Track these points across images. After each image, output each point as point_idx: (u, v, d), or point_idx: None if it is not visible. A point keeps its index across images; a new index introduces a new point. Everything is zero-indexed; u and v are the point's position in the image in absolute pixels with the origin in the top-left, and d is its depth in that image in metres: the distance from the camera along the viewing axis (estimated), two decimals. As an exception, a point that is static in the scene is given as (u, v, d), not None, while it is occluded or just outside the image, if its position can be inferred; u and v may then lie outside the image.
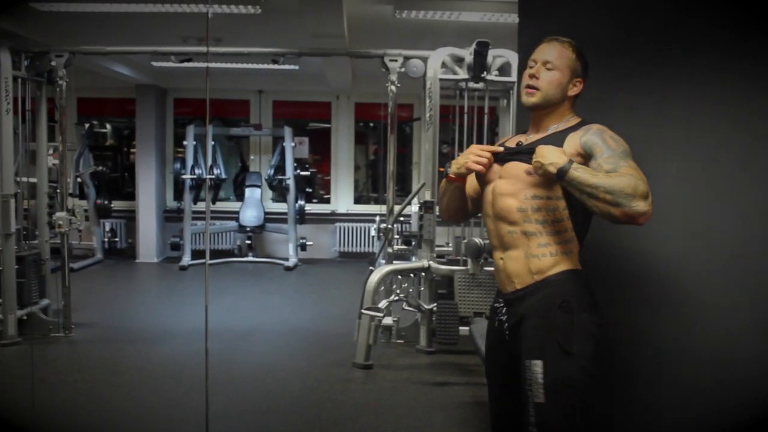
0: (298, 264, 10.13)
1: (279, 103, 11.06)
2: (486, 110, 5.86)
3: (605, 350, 2.36)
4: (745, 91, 2.63)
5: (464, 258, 5.63)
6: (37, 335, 6.08)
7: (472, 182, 2.61)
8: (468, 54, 5.67)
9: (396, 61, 6.19)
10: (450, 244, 6.30)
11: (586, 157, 2.28)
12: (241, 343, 6.06)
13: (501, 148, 2.49)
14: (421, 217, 5.80)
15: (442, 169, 5.85)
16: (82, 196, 9.60)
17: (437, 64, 5.73)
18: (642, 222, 2.14)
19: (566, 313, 2.29)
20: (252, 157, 11.07)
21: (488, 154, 2.44)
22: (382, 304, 5.60)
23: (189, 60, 7.15)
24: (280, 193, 10.46)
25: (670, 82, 2.74)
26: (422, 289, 5.94)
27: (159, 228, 10.56)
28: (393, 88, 6.26)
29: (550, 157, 2.21)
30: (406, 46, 6.25)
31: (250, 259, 10.39)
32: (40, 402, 3.98)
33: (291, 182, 10.02)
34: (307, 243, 10.28)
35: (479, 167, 2.44)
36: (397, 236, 6.33)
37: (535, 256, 2.34)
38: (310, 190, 10.91)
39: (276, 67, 7.93)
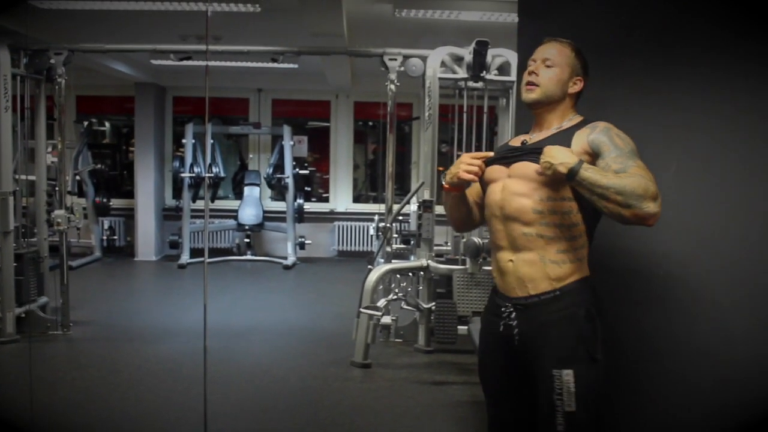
0: (297, 263, 10.13)
1: (278, 101, 11.06)
2: (485, 109, 5.86)
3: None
4: (745, 90, 2.63)
5: (463, 257, 5.63)
6: (35, 333, 6.08)
7: (474, 189, 2.59)
8: (467, 53, 5.67)
9: (395, 60, 6.19)
10: (449, 244, 6.30)
11: (593, 155, 2.27)
12: (239, 341, 6.06)
13: (491, 153, 2.48)
14: (419, 216, 5.80)
15: (441, 169, 5.86)
16: (81, 194, 9.59)
17: (436, 64, 5.73)
18: (651, 223, 2.13)
19: (590, 322, 2.29)
20: (251, 156, 11.07)
21: (479, 162, 2.42)
22: (381, 303, 5.60)
23: (188, 58, 7.14)
24: (279, 192, 10.46)
25: (669, 81, 2.74)
26: (421, 288, 5.94)
27: (158, 226, 10.56)
28: (392, 87, 6.26)
29: (560, 156, 2.19)
30: (406, 45, 6.25)
31: (249, 257, 10.40)
32: (38, 400, 3.97)
33: (290, 181, 10.02)
34: (306, 242, 10.28)
35: (469, 176, 2.41)
36: (395, 235, 6.33)
37: (555, 263, 2.30)
38: (309, 188, 10.90)
39: (275, 65, 7.93)
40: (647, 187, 2.10)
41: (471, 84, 5.80)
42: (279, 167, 10.17)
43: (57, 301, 6.26)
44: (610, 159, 2.22)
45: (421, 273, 5.87)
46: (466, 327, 5.15)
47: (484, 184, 2.50)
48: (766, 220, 2.63)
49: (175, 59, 7.23)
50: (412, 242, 6.13)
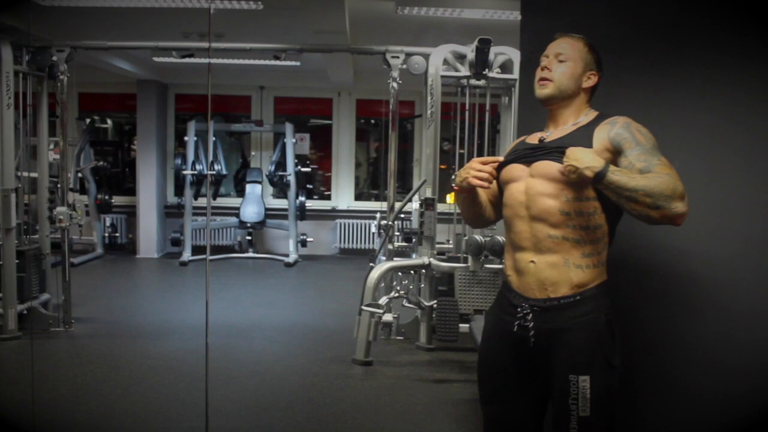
0: (299, 260, 10.13)
1: (280, 99, 11.06)
2: (487, 107, 5.86)
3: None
4: (748, 88, 2.62)
5: (465, 255, 5.63)
6: (37, 330, 6.09)
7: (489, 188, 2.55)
8: (470, 51, 5.67)
9: (398, 57, 6.19)
10: (450, 241, 6.30)
11: (614, 152, 2.24)
12: (240, 338, 6.06)
13: (501, 159, 2.45)
14: (421, 214, 5.80)
15: (443, 167, 5.86)
16: (83, 191, 9.58)
17: (439, 61, 5.72)
18: (680, 223, 2.11)
19: (609, 328, 2.28)
20: (253, 153, 11.07)
21: (489, 168, 2.39)
22: (382, 300, 5.60)
23: (190, 55, 7.14)
24: (280, 190, 10.47)
25: (673, 78, 2.73)
26: (422, 286, 5.94)
27: (159, 223, 10.57)
28: (394, 84, 6.26)
29: (585, 160, 2.15)
30: (408, 42, 6.26)
31: (251, 255, 10.40)
32: (39, 396, 3.98)
33: (292, 178, 10.02)
34: (308, 239, 10.29)
35: (480, 183, 2.39)
36: (397, 233, 6.33)
37: (579, 267, 2.27)
38: (311, 186, 10.91)
39: (277, 63, 7.93)
40: (675, 186, 2.08)
41: (473, 82, 5.79)
42: (281, 165, 10.17)
43: (59, 298, 6.27)
44: (633, 156, 2.19)
45: (423, 271, 5.87)
46: (467, 325, 5.14)
47: (502, 183, 2.47)
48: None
49: (177, 56, 7.24)
50: (413, 240, 6.14)
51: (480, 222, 2.68)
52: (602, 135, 2.27)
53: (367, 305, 5.39)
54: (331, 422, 4.33)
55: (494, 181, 2.46)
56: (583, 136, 2.30)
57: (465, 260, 5.62)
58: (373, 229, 6.74)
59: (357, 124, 11.18)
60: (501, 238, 5.37)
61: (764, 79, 2.61)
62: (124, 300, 7.78)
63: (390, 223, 6.08)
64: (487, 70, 5.71)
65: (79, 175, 9.44)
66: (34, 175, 6.39)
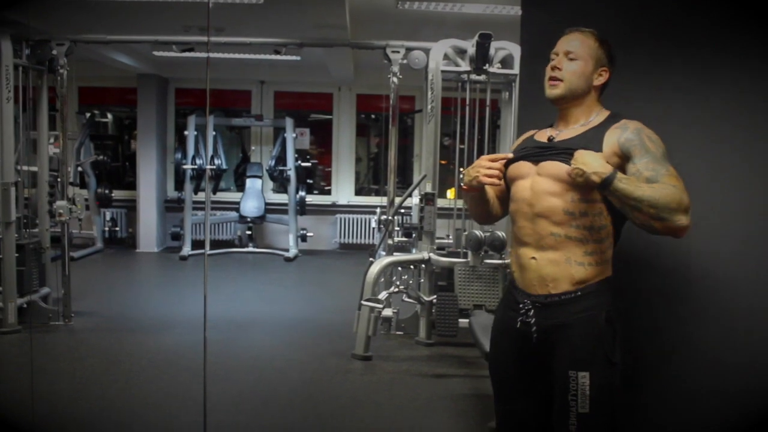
0: (299, 255, 10.13)
1: (280, 93, 11.05)
2: (488, 103, 5.85)
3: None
4: (750, 86, 2.61)
5: (465, 250, 5.63)
6: (36, 323, 6.09)
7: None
8: (470, 46, 5.66)
9: (398, 52, 6.19)
10: (450, 237, 6.30)
11: (623, 158, 2.23)
12: (240, 333, 6.07)
13: (510, 155, 2.44)
14: (421, 209, 5.80)
15: (443, 162, 5.86)
16: (83, 185, 9.60)
17: (439, 56, 5.72)
18: (682, 235, 2.12)
19: (610, 325, 2.27)
20: (253, 148, 11.06)
21: (499, 165, 2.40)
22: (382, 295, 5.60)
23: (190, 49, 7.13)
24: (280, 184, 10.46)
25: (675, 74, 2.71)
26: (422, 281, 5.94)
27: (159, 218, 10.56)
28: (395, 79, 6.26)
29: (593, 165, 2.15)
30: (409, 37, 6.25)
31: (251, 249, 10.39)
32: (39, 390, 3.98)
33: (292, 173, 10.02)
34: (308, 234, 10.28)
35: (490, 180, 2.39)
36: (397, 228, 6.33)
37: (581, 264, 2.27)
38: (311, 181, 10.90)
39: (278, 57, 7.92)
40: (681, 199, 2.09)
41: (474, 77, 5.78)
42: (281, 159, 10.17)
43: (58, 292, 6.27)
44: (642, 164, 2.18)
45: (423, 266, 5.87)
46: (467, 320, 5.15)
47: (509, 180, 2.46)
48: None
49: (177, 50, 7.23)
50: (413, 235, 6.14)
51: (488, 218, 2.69)
52: (612, 139, 2.26)
53: (367, 300, 5.39)
54: (330, 417, 4.34)
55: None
56: (593, 138, 2.28)
57: (465, 255, 5.62)
58: (373, 224, 6.73)
59: (357, 119, 11.17)
60: (501, 234, 5.37)
61: (766, 78, 2.60)
62: (123, 294, 7.79)
63: (390, 218, 6.07)
64: (487, 65, 5.70)
65: (79, 169, 9.45)
66: (34, 169, 6.39)
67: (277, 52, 7.38)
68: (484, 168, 2.39)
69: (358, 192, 11.24)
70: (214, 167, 10.11)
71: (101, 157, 10.00)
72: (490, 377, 2.61)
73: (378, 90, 7.71)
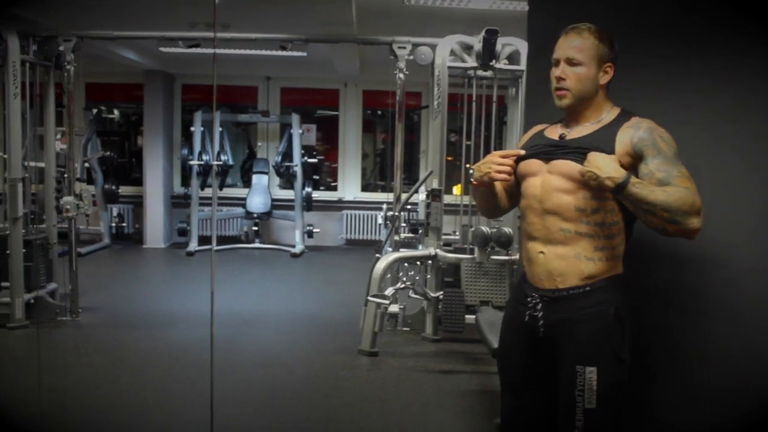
0: (305, 251, 10.13)
1: (287, 89, 11.05)
2: (494, 99, 5.84)
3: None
4: (755, 85, 2.60)
5: (471, 246, 5.63)
6: (44, 319, 6.12)
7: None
8: (477, 42, 5.64)
9: (404, 48, 6.18)
10: (457, 233, 6.30)
11: (635, 157, 2.23)
12: (246, 329, 6.08)
13: (522, 152, 2.44)
14: (428, 205, 5.80)
15: (450, 158, 5.85)
16: (90, 181, 9.60)
17: (446, 52, 5.71)
18: (694, 237, 2.14)
19: (619, 321, 2.27)
20: (259, 144, 11.06)
21: (510, 161, 2.41)
22: (389, 291, 5.60)
23: (197, 45, 7.14)
24: (287, 180, 10.46)
25: (683, 69, 2.69)
26: (429, 277, 5.94)
27: (166, 213, 10.58)
28: (401, 75, 6.24)
29: (607, 170, 2.15)
30: (415, 33, 6.23)
31: (257, 245, 10.40)
32: (46, 385, 4.00)
33: (298, 169, 10.02)
34: (314, 230, 10.29)
35: (502, 176, 2.41)
36: (403, 224, 6.32)
37: (590, 260, 2.28)
38: (318, 177, 10.90)
39: (284, 53, 7.91)
40: (693, 202, 2.10)
41: (480, 73, 5.77)
42: (287, 155, 10.17)
43: (66, 288, 6.29)
44: (654, 165, 2.19)
45: (429, 262, 5.87)
46: (473, 316, 5.14)
47: (519, 176, 2.46)
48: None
49: (183, 46, 7.24)
50: (420, 231, 6.13)
51: (496, 212, 2.72)
52: (625, 138, 2.26)
53: (373, 296, 5.39)
54: (336, 412, 4.35)
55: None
56: (605, 138, 2.28)
57: (471, 251, 5.61)
58: (380, 220, 6.74)
59: (363, 115, 11.16)
60: (508, 230, 5.37)
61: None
62: (130, 290, 7.81)
63: (396, 214, 6.07)
64: (494, 61, 5.69)
65: (86, 165, 9.47)
66: (41, 164, 6.41)
67: (283, 48, 7.38)
68: (495, 164, 2.41)
69: (365, 188, 11.24)
70: (221, 163, 10.12)
71: (108, 153, 10.01)
72: (498, 369, 2.63)
73: (384, 86, 7.68)
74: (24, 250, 5.89)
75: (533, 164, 2.41)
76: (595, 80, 2.33)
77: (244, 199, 10.28)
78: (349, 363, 5.25)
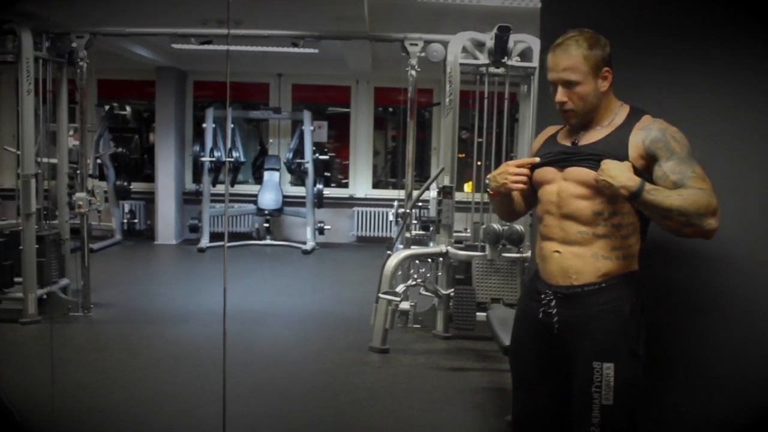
0: (316, 248, 10.14)
1: (298, 86, 11.05)
2: (506, 96, 5.83)
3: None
4: (761, 84, 2.59)
5: (482, 243, 5.62)
6: (56, 314, 6.14)
7: None
8: (489, 39, 5.63)
9: (416, 45, 6.17)
10: (468, 230, 6.29)
11: (648, 159, 2.23)
12: (258, 325, 6.09)
13: (537, 159, 2.44)
14: (439, 203, 5.79)
15: (461, 155, 5.83)
16: (102, 177, 9.65)
17: (458, 49, 5.69)
18: (711, 237, 2.13)
19: (634, 317, 2.28)
20: (271, 141, 11.07)
21: (526, 171, 2.41)
22: (400, 288, 5.60)
23: (209, 42, 7.15)
24: (298, 177, 10.47)
25: (699, 63, 2.66)
26: (440, 274, 5.94)
27: (178, 210, 10.61)
28: (413, 72, 6.24)
29: (621, 179, 2.14)
30: (427, 30, 6.22)
31: (268, 242, 10.40)
32: (58, 380, 4.01)
33: (309, 166, 10.02)
34: (325, 227, 10.29)
35: (519, 186, 2.42)
36: (415, 221, 6.32)
37: (607, 258, 2.28)
38: (329, 174, 10.89)
39: (296, 50, 7.92)
40: (709, 203, 2.09)
41: (492, 70, 5.76)
42: (299, 152, 10.17)
43: (78, 283, 6.32)
44: (668, 167, 2.18)
45: (440, 259, 5.86)
46: (484, 313, 5.13)
47: (535, 183, 2.46)
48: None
49: (195, 43, 7.25)
50: (431, 228, 6.13)
51: (513, 216, 2.75)
52: (637, 141, 2.25)
53: (385, 293, 5.39)
54: (347, 409, 4.35)
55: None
56: (617, 142, 2.27)
57: (482, 249, 5.61)
58: (391, 218, 6.74)
59: (375, 112, 11.15)
60: (519, 227, 5.36)
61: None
62: (142, 286, 7.84)
63: (407, 211, 6.06)
64: (506, 58, 5.67)
65: (98, 161, 9.51)
66: (53, 161, 6.44)
67: (295, 45, 7.38)
68: (511, 175, 2.41)
69: (376, 185, 11.24)
70: (232, 160, 10.14)
71: (120, 149, 10.07)
72: (509, 365, 2.63)
73: (396, 83, 7.69)
74: (37, 246, 5.92)
75: (548, 172, 2.41)
76: (597, 90, 2.30)
77: (256, 195, 10.28)
78: (359, 360, 5.25)
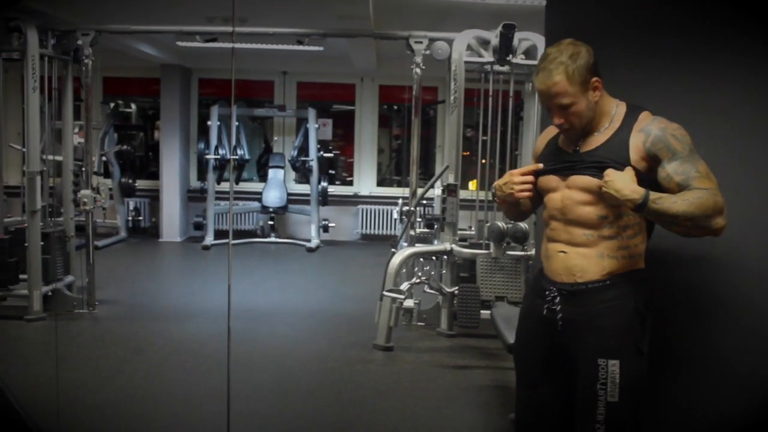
0: (320, 245, 10.15)
1: (303, 84, 11.05)
2: (511, 94, 5.83)
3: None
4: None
5: (487, 241, 5.62)
6: (61, 311, 6.16)
7: None
8: (494, 37, 5.63)
9: (421, 43, 6.16)
10: (472, 228, 6.29)
11: (650, 160, 2.23)
12: (262, 323, 6.09)
13: (540, 165, 2.44)
14: (443, 200, 5.79)
15: (466, 153, 5.83)
16: (107, 174, 9.66)
17: (462, 47, 5.69)
18: (719, 235, 2.15)
19: (639, 315, 2.28)
20: (275, 138, 11.08)
21: (530, 178, 2.42)
22: (404, 286, 5.60)
23: (214, 40, 7.15)
24: (303, 175, 10.47)
25: (702, 63, 2.66)
26: (444, 272, 5.93)
27: (182, 207, 10.62)
28: (418, 70, 6.23)
29: (625, 192, 2.14)
30: (432, 27, 6.22)
31: (273, 239, 10.41)
32: (63, 377, 4.02)
33: (314, 164, 10.02)
34: (330, 225, 10.30)
35: (525, 194, 2.43)
36: (419, 219, 6.32)
37: (613, 257, 2.28)
38: (333, 171, 10.90)
39: (301, 48, 7.92)
40: (715, 203, 2.10)
41: (497, 68, 5.76)
42: (303, 150, 10.17)
43: (83, 281, 6.33)
44: (671, 169, 2.18)
45: (445, 257, 5.86)
46: (488, 311, 5.13)
47: (540, 189, 2.47)
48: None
49: (200, 41, 7.26)
50: (435, 226, 6.13)
51: (521, 217, 2.79)
52: (638, 143, 2.25)
53: (389, 291, 5.39)
54: (351, 406, 4.35)
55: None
56: (617, 147, 2.27)
57: (487, 247, 5.61)
58: (395, 215, 6.73)
59: (380, 110, 11.14)
60: (523, 225, 5.35)
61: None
62: (147, 283, 7.85)
63: (412, 209, 6.06)
64: (511, 56, 5.67)
65: (104, 158, 9.52)
66: (59, 158, 6.46)
67: (300, 43, 7.38)
68: (517, 184, 2.42)
69: (380, 183, 11.24)
70: (237, 157, 10.14)
71: (125, 147, 10.08)
72: (514, 363, 2.64)
73: (401, 81, 7.69)
74: (42, 243, 5.93)
75: (551, 180, 2.41)
76: (590, 103, 2.29)
77: (260, 193, 10.29)
78: (364, 357, 5.26)
